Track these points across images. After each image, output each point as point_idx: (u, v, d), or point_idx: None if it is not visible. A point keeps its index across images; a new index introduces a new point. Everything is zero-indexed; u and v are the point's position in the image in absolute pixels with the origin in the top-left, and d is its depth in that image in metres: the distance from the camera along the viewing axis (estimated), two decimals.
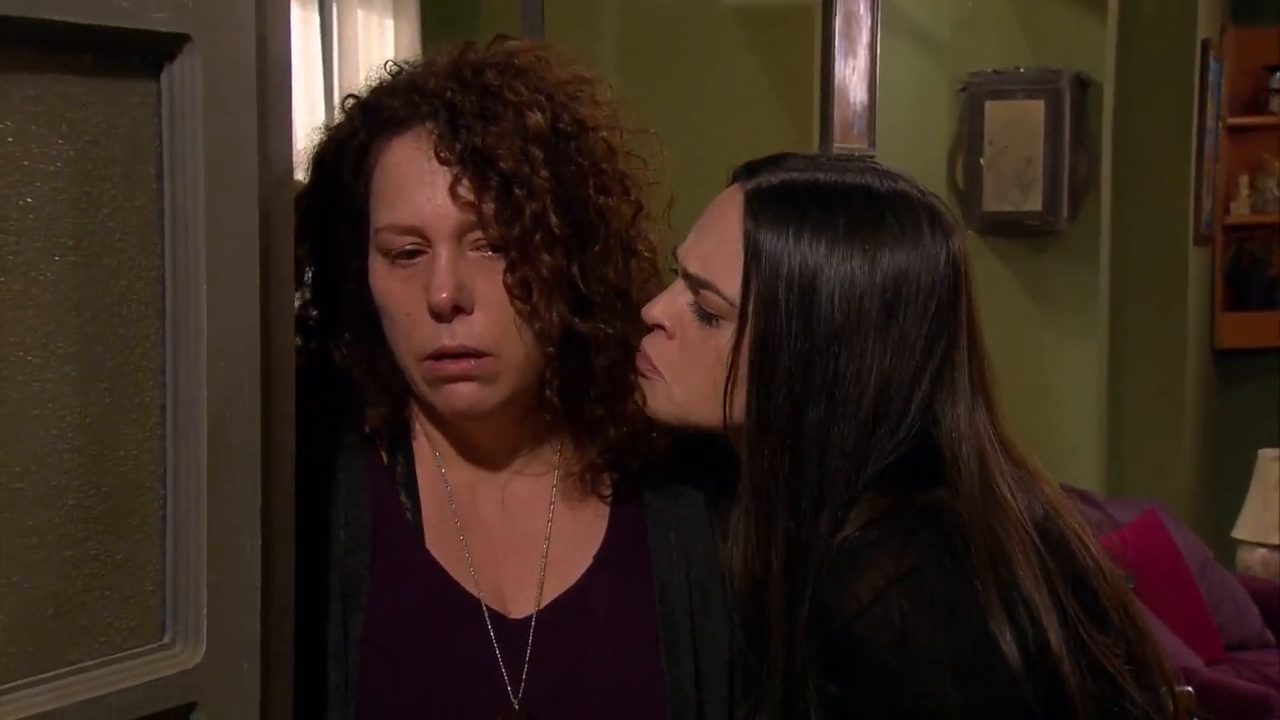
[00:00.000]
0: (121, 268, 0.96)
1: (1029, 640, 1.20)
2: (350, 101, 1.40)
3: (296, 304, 1.40)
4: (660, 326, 1.34)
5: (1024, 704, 1.19)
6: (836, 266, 1.25)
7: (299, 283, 1.39)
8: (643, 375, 1.35)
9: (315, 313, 1.41)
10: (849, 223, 1.26)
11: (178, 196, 0.98)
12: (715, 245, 1.30)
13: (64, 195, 0.92)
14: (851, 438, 1.25)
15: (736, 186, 1.32)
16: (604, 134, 1.37)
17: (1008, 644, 1.19)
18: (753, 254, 1.27)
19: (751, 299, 1.27)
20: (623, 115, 1.41)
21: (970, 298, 1.31)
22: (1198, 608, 4.24)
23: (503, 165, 1.29)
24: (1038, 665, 1.20)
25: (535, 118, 1.32)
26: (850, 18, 3.82)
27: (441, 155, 1.30)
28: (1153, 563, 4.02)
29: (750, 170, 1.33)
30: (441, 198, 1.30)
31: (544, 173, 1.31)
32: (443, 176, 1.30)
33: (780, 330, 1.25)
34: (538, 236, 1.30)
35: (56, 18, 0.88)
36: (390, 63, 1.42)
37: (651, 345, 1.34)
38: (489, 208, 1.30)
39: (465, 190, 1.30)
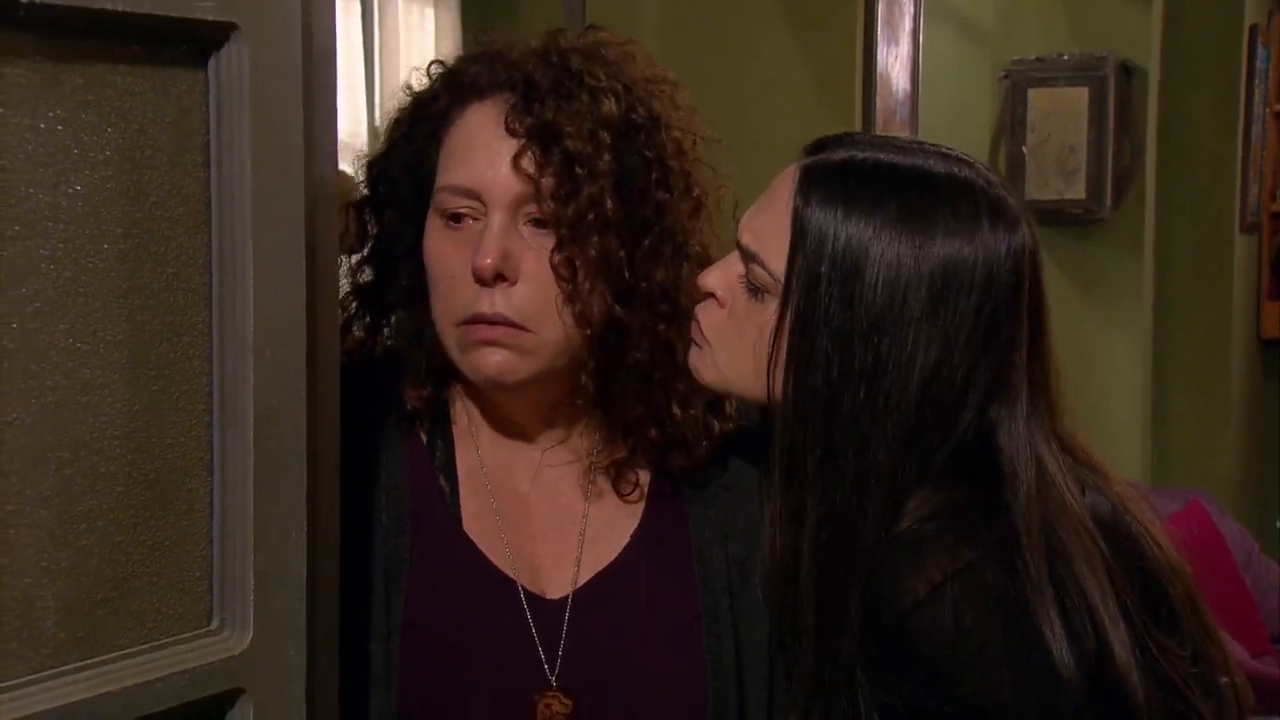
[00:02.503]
0: (169, 255, 0.97)
1: (1087, 648, 1.18)
2: (436, 67, 1.42)
3: (356, 268, 1.43)
4: (713, 295, 1.34)
5: (1080, 706, 1.18)
6: (883, 250, 1.22)
7: (360, 245, 1.42)
8: (694, 343, 1.35)
9: (370, 278, 1.42)
10: (901, 207, 1.24)
11: (224, 184, 0.99)
12: (766, 220, 1.30)
13: (113, 183, 0.93)
14: (895, 431, 1.23)
15: (796, 163, 1.31)
16: (675, 132, 1.38)
17: (1060, 652, 1.17)
18: (799, 231, 1.26)
19: (795, 276, 1.26)
20: (697, 123, 1.42)
21: (1039, 297, 1.28)
22: (1243, 599, 4.20)
23: (569, 144, 1.31)
24: (1098, 675, 1.18)
25: (609, 104, 1.34)
26: (893, 4, 3.80)
27: (511, 126, 1.32)
28: (1197, 553, 3.95)
29: (816, 147, 1.31)
30: (504, 167, 1.32)
31: (607, 157, 1.32)
32: (509, 146, 1.32)
33: (820, 311, 1.24)
34: (591, 217, 1.31)
35: (106, 7, 0.89)
36: (481, 34, 1.44)
37: (703, 313, 1.34)
38: (548, 183, 1.32)
39: (528, 163, 1.32)
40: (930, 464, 1.24)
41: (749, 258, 1.30)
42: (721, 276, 1.33)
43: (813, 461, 1.25)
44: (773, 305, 1.28)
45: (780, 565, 1.29)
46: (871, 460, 1.23)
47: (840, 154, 1.28)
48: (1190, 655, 1.25)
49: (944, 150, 1.32)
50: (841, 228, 1.24)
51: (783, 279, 1.26)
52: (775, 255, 1.27)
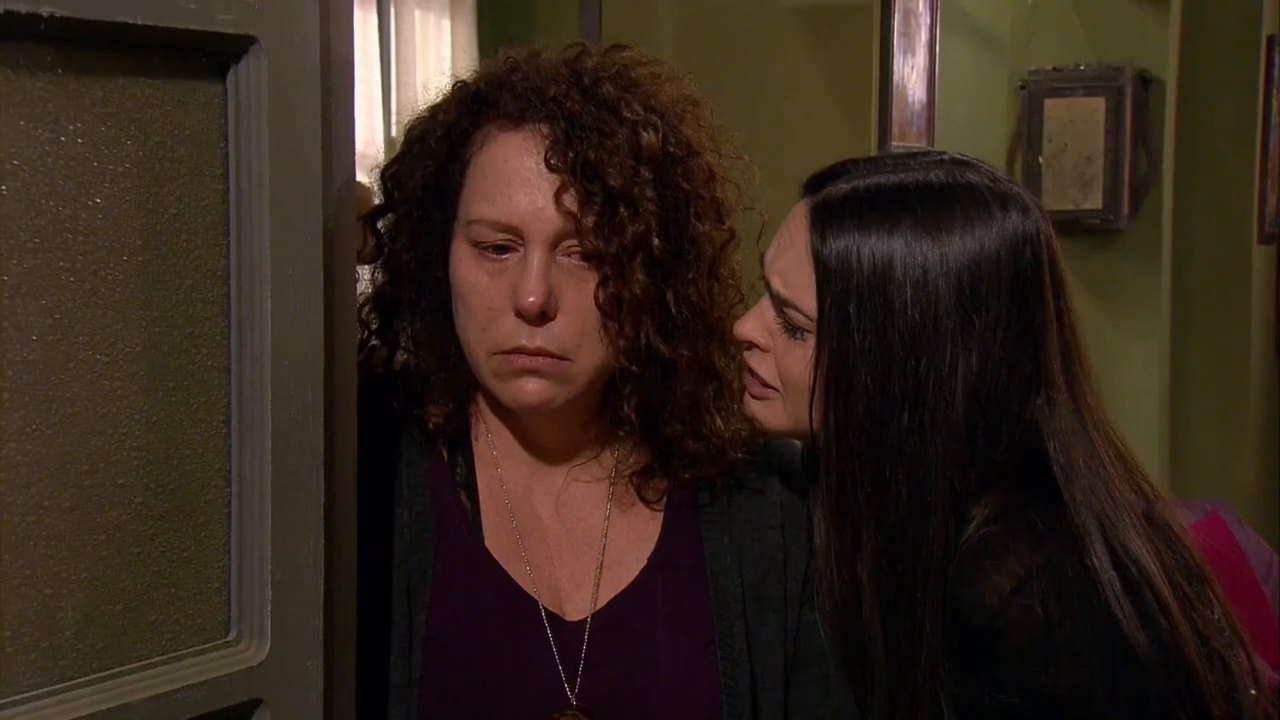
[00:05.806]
0: (188, 267, 0.97)
1: (1161, 630, 1.20)
2: (459, 85, 1.40)
3: (374, 283, 1.42)
4: (754, 344, 1.34)
5: (1163, 692, 1.19)
6: (907, 268, 1.24)
7: (376, 258, 1.41)
8: (755, 397, 1.35)
9: (388, 292, 1.42)
10: (915, 223, 1.25)
11: (243, 197, 0.99)
12: (790, 263, 1.30)
13: (132, 196, 0.94)
14: (947, 446, 1.23)
15: (804, 202, 1.32)
16: (707, 158, 1.38)
17: (1138, 636, 1.19)
18: (822, 271, 1.27)
19: (825, 315, 1.26)
20: (723, 140, 1.41)
21: (1059, 280, 1.29)
22: (1262, 610, 4.18)
23: (611, 182, 1.30)
24: (1170, 654, 1.20)
25: (649, 138, 1.33)
26: (909, 15, 3.80)
27: (551, 161, 1.31)
28: (1216, 564, 3.95)
29: (816, 182, 1.32)
30: (544, 202, 1.31)
31: (650, 194, 1.32)
32: (549, 182, 1.31)
33: (854, 345, 1.25)
34: (638, 257, 1.31)
35: (126, 20, 0.89)
36: (506, 54, 1.42)
37: (754, 362, 1.35)
38: (590, 221, 1.31)
39: (570, 200, 1.31)
40: (989, 468, 1.25)
41: (782, 303, 1.31)
42: (759, 324, 1.34)
43: (863, 494, 1.26)
44: (813, 343, 1.29)
45: (841, 600, 1.29)
46: (925, 480, 1.24)
47: (844, 185, 1.29)
48: (1229, 643, 1.27)
49: (940, 156, 1.33)
50: (863, 258, 1.25)
51: (816, 318, 1.27)
52: (806, 297, 1.28)
